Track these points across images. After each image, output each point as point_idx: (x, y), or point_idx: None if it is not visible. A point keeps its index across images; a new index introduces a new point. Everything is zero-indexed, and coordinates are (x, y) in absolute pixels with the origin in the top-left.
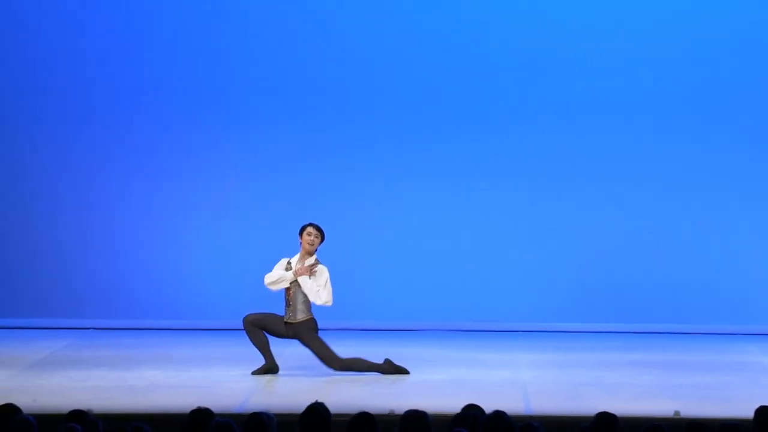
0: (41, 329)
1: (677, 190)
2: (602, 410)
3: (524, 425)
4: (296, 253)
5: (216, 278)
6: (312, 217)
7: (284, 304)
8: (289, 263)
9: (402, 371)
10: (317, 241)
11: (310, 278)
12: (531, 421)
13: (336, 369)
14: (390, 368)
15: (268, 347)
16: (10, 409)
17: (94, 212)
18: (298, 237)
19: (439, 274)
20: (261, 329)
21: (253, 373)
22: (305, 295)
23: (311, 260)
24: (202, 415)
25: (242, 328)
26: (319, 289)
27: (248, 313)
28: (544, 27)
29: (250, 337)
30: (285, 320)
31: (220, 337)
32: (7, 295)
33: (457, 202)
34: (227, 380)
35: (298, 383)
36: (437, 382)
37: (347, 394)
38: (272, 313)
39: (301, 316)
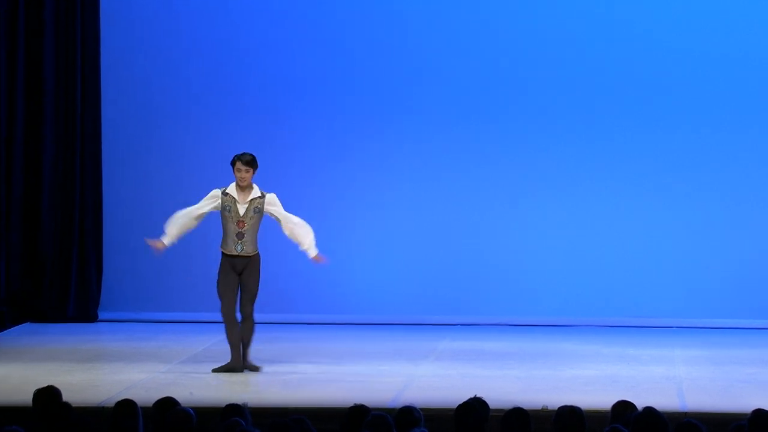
0: (197, 323)
1: None
2: (758, 407)
3: (685, 422)
4: (232, 182)
5: (366, 273)
6: (471, 211)
7: (230, 234)
8: (225, 193)
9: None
10: (248, 176)
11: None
12: (692, 419)
13: (244, 314)
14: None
15: (239, 343)
16: (168, 403)
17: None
18: (231, 168)
19: (594, 271)
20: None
21: (215, 370)
22: (257, 230)
23: (255, 193)
24: (359, 411)
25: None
26: (287, 215)
27: (222, 305)
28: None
29: (228, 330)
30: (234, 253)
31: (373, 332)
32: (164, 289)
33: (614, 197)
34: (380, 374)
35: (450, 378)
36: (590, 377)
37: (499, 389)
38: (225, 281)
39: (254, 248)
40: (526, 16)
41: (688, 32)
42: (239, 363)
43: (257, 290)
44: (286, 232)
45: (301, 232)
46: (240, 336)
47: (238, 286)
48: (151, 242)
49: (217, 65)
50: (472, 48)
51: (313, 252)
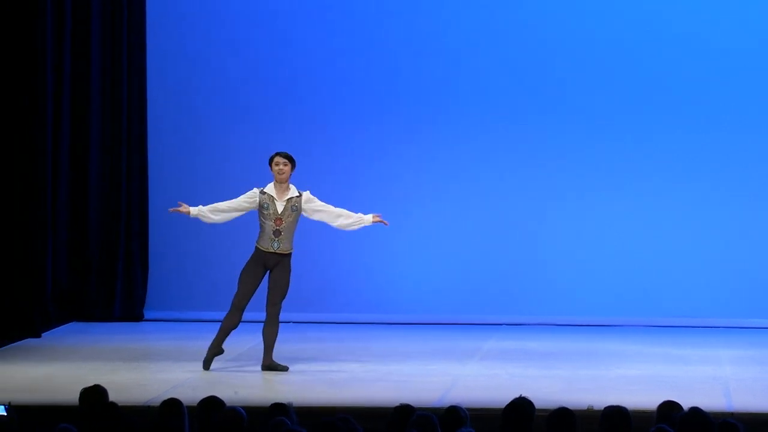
0: (241, 322)
1: None
2: None
3: (723, 422)
4: (270, 183)
5: (411, 272)
6: (520, 209)
7: (267, 232)
8: (262, 192)
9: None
10: (287, 169)
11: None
12: (729, 419)
13: (270, 314)
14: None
15: (226, 335)
16: (213, 402)
17: None
18: (269, 167)
19: (639, 270)
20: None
21: (205, 366)
22: (294, 229)
23: (293, 192)
24: (404, 411)
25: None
26: (328, 207)
27: (237, 293)
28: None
29: (227, 317)
30: (271, 250)
31: (419, 331)
32: (209, 289)
33: (658, 199)
34: (426, 374)
35: (496, 378)
36: (636, 377)
37: (545, 389)
38: (250, 273)
39: (290, 246)
40: (562, 22)
41: (718, 36)
42: (219, 350)
43: (287, 288)
44: (335, 225)
45: (348, 219)
46: (265, 335)
47: (259, 283)
48: (176, 209)
49: (261, 68)
50: (514, 51)
51: (368, 218)
